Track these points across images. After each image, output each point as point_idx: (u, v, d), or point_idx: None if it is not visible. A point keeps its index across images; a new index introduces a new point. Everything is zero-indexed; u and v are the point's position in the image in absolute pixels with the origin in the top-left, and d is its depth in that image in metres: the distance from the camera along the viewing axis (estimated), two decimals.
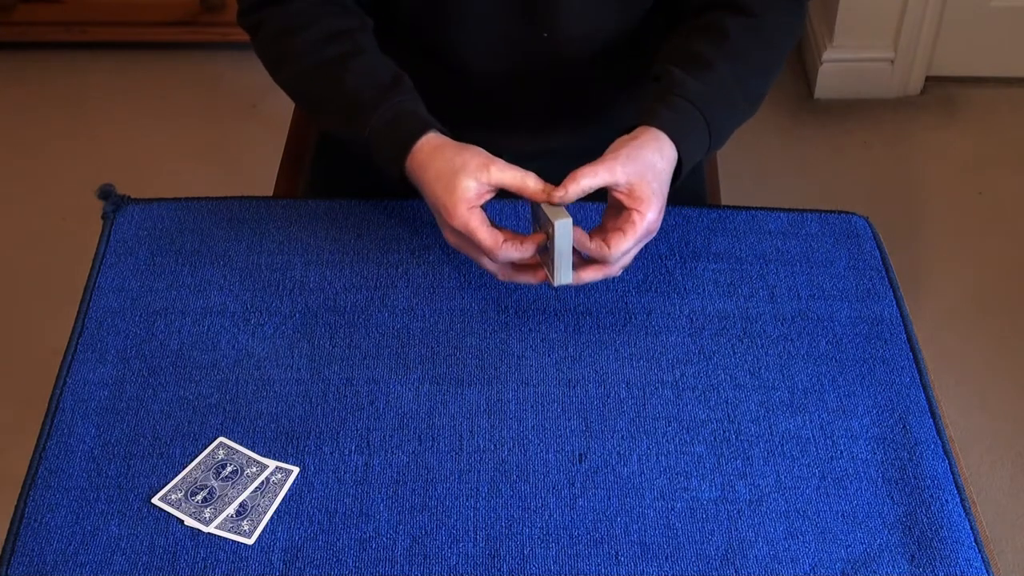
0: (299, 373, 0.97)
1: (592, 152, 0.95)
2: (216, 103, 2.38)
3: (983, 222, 2.15)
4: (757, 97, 1.07)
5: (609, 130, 1.00)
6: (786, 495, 0.90)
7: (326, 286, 1.04)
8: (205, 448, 0.92)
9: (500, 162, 0.95)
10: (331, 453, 0.91)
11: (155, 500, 0.88)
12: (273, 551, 0.86)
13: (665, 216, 0.96)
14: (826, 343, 1.01)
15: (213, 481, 0.89)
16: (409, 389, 0.96)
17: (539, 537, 0.87)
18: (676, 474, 0.91)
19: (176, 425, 0.93)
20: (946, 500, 0.90)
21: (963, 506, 0.90)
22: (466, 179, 0.94)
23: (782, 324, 1.02)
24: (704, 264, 1.07)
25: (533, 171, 0.95)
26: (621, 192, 0.94)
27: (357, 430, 0.93)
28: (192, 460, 0.91)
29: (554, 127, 1.22)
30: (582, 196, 0.93)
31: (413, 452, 0.92)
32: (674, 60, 1.03)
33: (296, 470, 0.90)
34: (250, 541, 0.86)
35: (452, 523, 0.87)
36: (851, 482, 0.91)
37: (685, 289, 1.05)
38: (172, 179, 2.17)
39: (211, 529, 0.87)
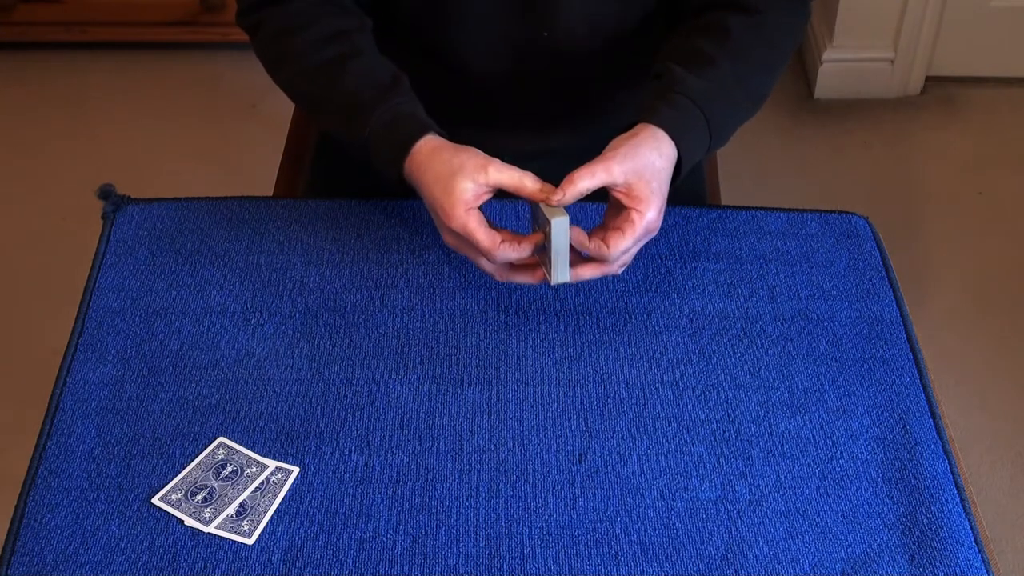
0: (299, 373, 0.97)
1: (592, 152, 0.95)
2: (216, 103, 2.38)
3: (983, 222, 2.15)
4: (759, 96, 1.07)
5: (609, 130, 1.00)
6: (786, 495, 0.90)
7: (326, 286, 1.04)
8: (205, 448, 0.92)
9: (498, 162, 0.95)
10: (331, 453, 0.91)
11: (155, 500, 0.88)
12: (273, 551, 0.86)
13: (665, 216, 0.96)
14: (826, 343, 1.01)
15: (213, 481, 0.89)
16: (409, 389, 0.96)
17: (539, 537, 0.87)
18: (676, 474, 0.91)
19: (176, 425, 0.93)
20: (946, 500, 0.90)
21: (963, 506, 0.90)
22: (463, 180, 0.94)
23: (782, 324, 1.02)
24: (704, 264, 1.07)
25: (533, 171, 0.95)
26: (620, 191, 0.94)
27: (357, 430, 0.93)
28: (192, 460, 0.91)
29: (554, 127, 1.22)
30: (581, 198, 0.93)
31: (413, 452, 0.92)
32: (675, 58, 1.03)
33: (296, 470, 0.90)
34: (250, 541, 0.86)
35: (452, 523, 0.87)
36: (851, 482, 0.91)
37: (685, 289, 1.05)
38: (172, 179, 2.17)
39: (211, 529, 0.87)
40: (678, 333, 1.01)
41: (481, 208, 0.95)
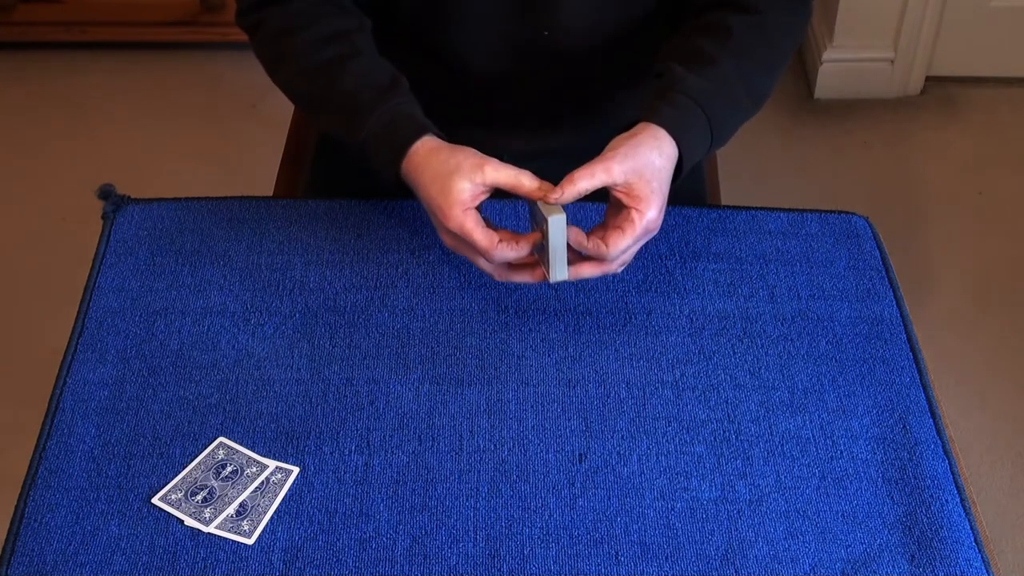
0: (299, 373, 0.97)
1: (592, 152, 0.95)
2: (216, 103, 2.38)
3: (983, 222, 2.15)
4: (760, 96, 1.07)
5: (610, 130, 1.00)
6: (786, 495, 0.90)
7: (326, 286, 1.04)
8: (205, 448, 0.92)
9: (494, 162, 0.95)
10: (331, 453, 0.91)
11: (155, 500, 0.88)
12: (273, 551, 0.86)
13: (665, 216, 0.96)
14: (826, 343, 1.01)
15: (213, 481, 0.89)
16: (409, 389, 0.96)
17: (539, 537, 0.87)
18: (676, 474, 0.91)
19: (176, 425, 0.93)
20: (946, 500, 0.90)
21: (963, 506, 0.90)
22: (460, 181, 0.94)
23: (782, 324, 1.02)
24: (704, 264, 1.07)
25: (533, 171, 0.95)
26: (620, 191, 0.94)
27: (357, 430, 0.93)
28: (192, 460, 0.91)
29: (554, 127, 1.22)
30: (580, 198, 0.93)
31: (413, 452, 0.92)
32: (676, 57, 1.03)
33: (296, 470, 0.90)
34: (250, 541, 0.86)
35: (452, 523, 0.87)
36: (851, 482, 0.91)
37: (685, 289, 1.05)
38: (172, 179, 2.17)
39: (211, 529, 0.87)
40: (678, 333, 1.01)
41: (480, 208, 0.95)
